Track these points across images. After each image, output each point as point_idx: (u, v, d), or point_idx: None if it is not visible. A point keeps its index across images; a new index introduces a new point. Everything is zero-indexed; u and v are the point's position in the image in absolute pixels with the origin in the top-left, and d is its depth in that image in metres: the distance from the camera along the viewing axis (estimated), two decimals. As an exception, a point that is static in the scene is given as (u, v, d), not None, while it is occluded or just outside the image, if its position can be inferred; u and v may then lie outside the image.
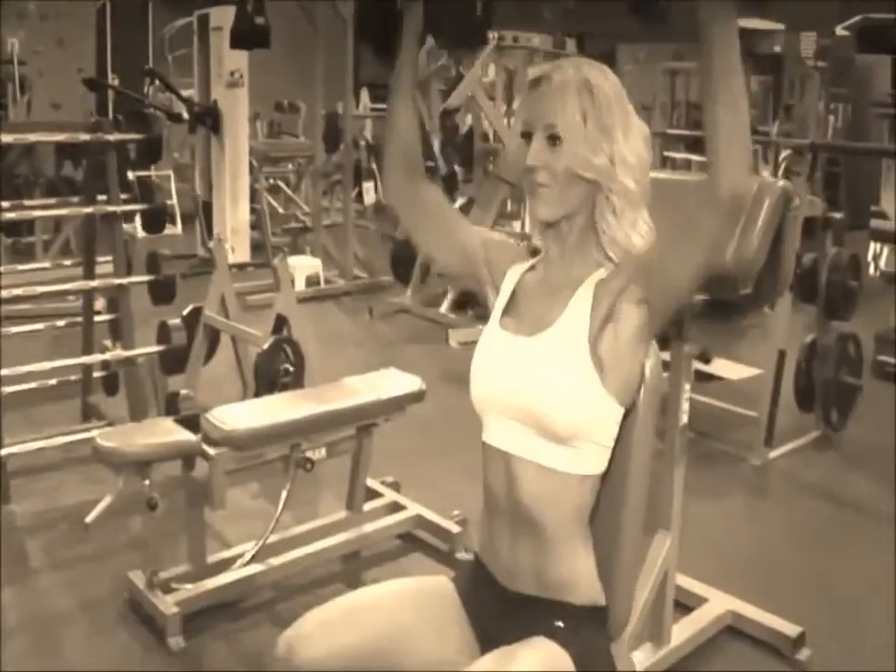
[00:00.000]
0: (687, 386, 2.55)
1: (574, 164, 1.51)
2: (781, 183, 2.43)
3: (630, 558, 1.67)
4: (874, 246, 7.90)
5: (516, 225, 7.15)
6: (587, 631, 1.56)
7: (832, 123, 9.76)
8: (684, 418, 2.56)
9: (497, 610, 1.60)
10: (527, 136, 1.55)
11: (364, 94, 11.00)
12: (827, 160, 8.79)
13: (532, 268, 1.66)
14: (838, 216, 4.61)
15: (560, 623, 1.53)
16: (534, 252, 1.69)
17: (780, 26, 8.50)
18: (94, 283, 4.08)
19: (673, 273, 1.47)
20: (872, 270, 7.61)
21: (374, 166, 9.67)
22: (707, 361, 4.79)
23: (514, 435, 1.55)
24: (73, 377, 4.27)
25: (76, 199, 4.44)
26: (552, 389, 1.49)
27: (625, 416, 1.56)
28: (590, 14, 10.79)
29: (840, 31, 7.09)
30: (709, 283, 2.19)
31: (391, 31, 1.73)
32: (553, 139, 1.52)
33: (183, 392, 4.05)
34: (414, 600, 1.63)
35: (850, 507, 3.92)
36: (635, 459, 1.62)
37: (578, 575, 1.56)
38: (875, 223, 5.99)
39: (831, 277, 4.40)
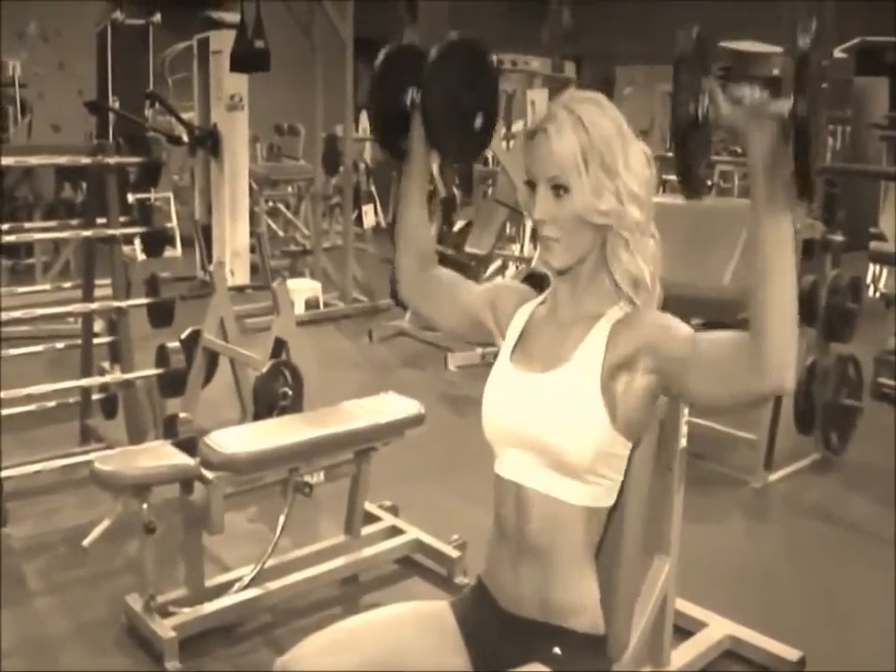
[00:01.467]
0: (686, 410, 2.55)
1: (582, 212, 1.51)
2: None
3: (629, 585, 1.69)
4: (873, 268, 7.93)
5: (515, 248, 7.18)
6: (585, 659, 1.56)
7: (831, 145, 9.81)
8: (683, 442, 2.55)
9: (496, 635, 1.61)
10: (531, 185, 1.56)
11: (364, 117, 11.04)
12: (826, 182, 8.85)
13: (542, 303, 1.68)
14: (837, 238, 4.63)
15: (558, 650, 1.54)
16: (530, 277, 1.70)
17: (778, 49, 8.55)
18: (93, 305, 4.09)
19: (692, 391, 1.46)
20: (871, 292, 7.63)
21: (373, 189, 9.71)
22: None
23: (526, 467, 1.57)
24: (71, 400, 4.28)
25: (75, 221, 4.45)
26: (563, 423, 1.51)
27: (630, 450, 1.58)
28: (588, 37, 10.86)
29: (838, 53, 7.15)
30: (708, 308, 2.22)
31: (402, 132, 1.76)
32: (558, 189, 1.52)
33: (181, 415, 4.05)
34: (411, 625, 1.64)
35: (851, 529, 3.92)
36: (635, 489, 1.64)
37: (581, 602, 1.57)
38: (874, 245, 5.99)
39: (830, 300, 4.41)
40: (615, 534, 1.63)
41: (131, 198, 8.74)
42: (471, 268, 6.00)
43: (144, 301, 4.05)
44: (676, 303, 1.79)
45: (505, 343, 1.66)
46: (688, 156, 1.47)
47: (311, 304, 7.21)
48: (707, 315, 2.31)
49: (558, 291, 1.63)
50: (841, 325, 4.45)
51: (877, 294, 7.61)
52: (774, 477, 4.32)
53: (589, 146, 1.50)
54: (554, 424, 1.51)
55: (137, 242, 7.00)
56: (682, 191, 1.53)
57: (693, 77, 1.42)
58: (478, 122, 1.78)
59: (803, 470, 4.48)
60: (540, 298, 1.69)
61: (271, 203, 9.44)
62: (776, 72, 9.46)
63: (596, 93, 1.60)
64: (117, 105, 9.42)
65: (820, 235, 4.53)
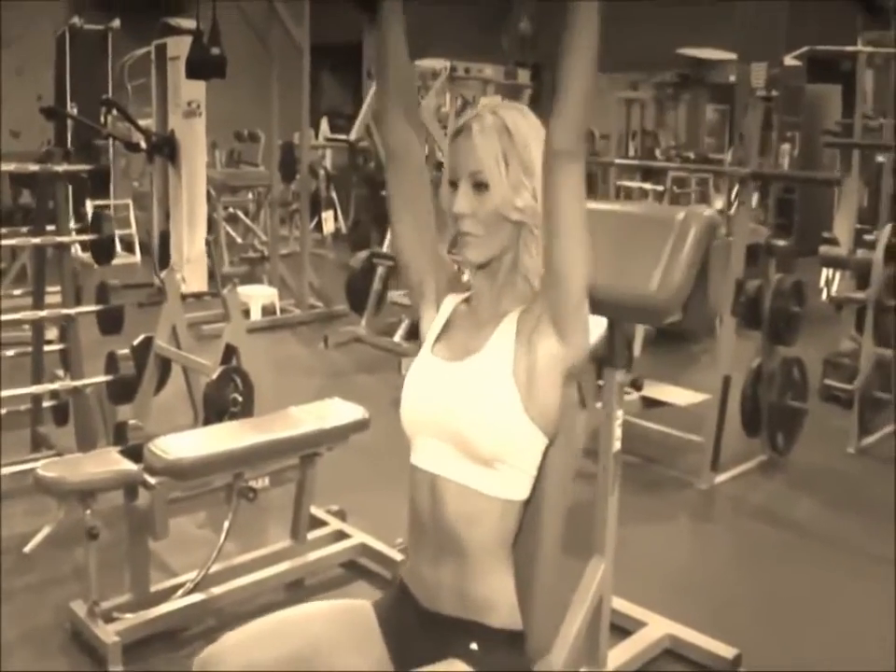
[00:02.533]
0: (619, 413, 2.60)
1: (500, 208, 1.58)
2: (707, 212, 2.50)
3: (548, 583, 1.71)
4: (826, 272, 8.04)
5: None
6: (501, 655, 1.60)
7: (787, 151, 9.95)
8: (617, 444, 2.61)
9: (415, 632, 1.64)
10: (454, 185, 1.62)
11: (324, 123, 11.07)
12: (783, 188, 8.98)
13: (465, 300, 1.73)
14: (781, 243, 4.71)
15: (475, 646, 1.58)
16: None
17: (733, 56, 8.66)
18: (43, 313, 4.09)
19: (565, 278, 1.52)
20: (824, 296, 7.74)
21: (334, 195, 9.72)
22: (638, 388, 4.86)
23: (441, 456, 1.61)
24: (22, 407, 4.28)
25: (25, 229, 4.46)
26: (476, 411, 1.55)
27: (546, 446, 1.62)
28: (549, 44, 10.92)
29: (789, 60, 7.25)
30: (634, 312, 2.26)
31: None
32: (479, 185, 1.58)
33: (131, 422, 4.06)
34: (330, 621, 1.68)
35: (794, 530, 4.00)
36: (552, 485, 1.66)
37: (497, 597, 1.61)
38: (823, 249, 6.09)
39: (774, 303, 4.49)
40: (532, 529, 1.66)
41: (89, 205, 8.76)
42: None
43: (93, 308, 4.06)
44: (603, 307, 1.84)
45: (429, 334, 1.71)
46: None
47: (267, 311, 7.24)
48: (634, 319, 2.36)
49: (477, 287, 1.69)
50: (786, 328, 4.53)
51: (829, 298, 7.71)
52: (720, 479, 4.40)
53: (510, 146, 1.57)
54: (468, 411, 1.56)
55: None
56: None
57: None
58: None
59: (749, 472, 4.56)
60: (463, 296, 1.74)
61: (230, 210, 9.44)
62: (732, 78, 9.59)
63: (520, 104, 1.70)
64: (75, 110, 9.38)
65: (765, 240, 4.62)
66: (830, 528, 3.99)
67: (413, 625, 1.65)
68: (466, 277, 1.75)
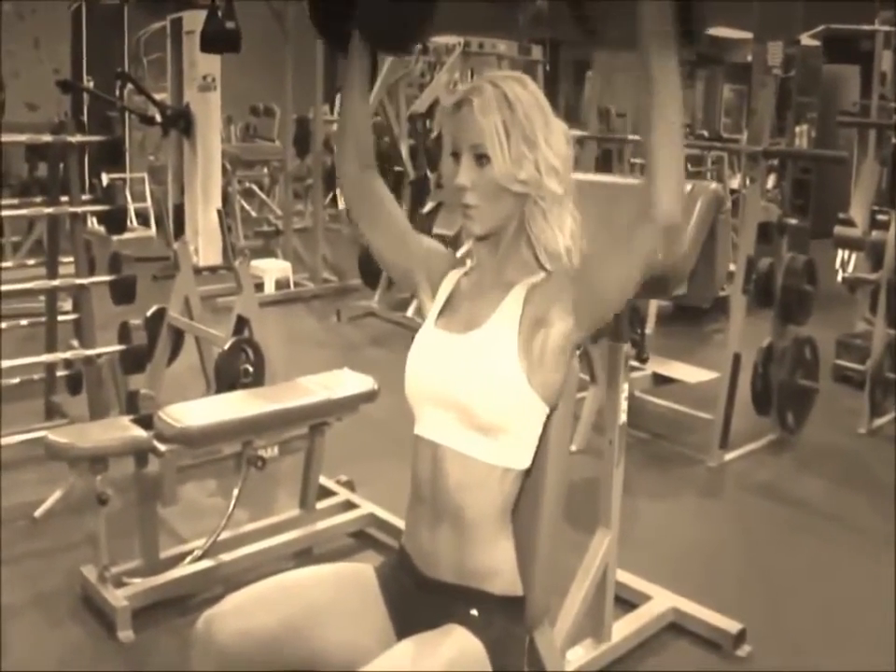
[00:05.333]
0: (625, 386, 2.61)
1: (502, 180, 1.57)
2: (713, 186, 2.51)
3: (547, 551, 1.73)
4: (841, 254, 8.00)
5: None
6: (501, 620, 1.61)
7: (805, 132, 9.86)
8: (623, 417, 2.61)
9: (415, 598, 1.66)
10: (456, 157, 1.61)
11: (339, 99, 11.04)
12: (800, 169, 8.91)
13: (467, 273, 1.74)
14: (793, 221, 4.69)
15: (475, 612, 1.59)
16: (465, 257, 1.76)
17: (749, 35, 8.60)
18: (56, 282, 4.12)
19: (605, 286, 1.54)
20: (840, 277, 7.70)
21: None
22: (644, 361, 4.86)
23: (443, 426, 1.62)
24: (36, 376, 4.32)
25: (39, 199, 4.47)
26: (479, 381, 1.56)
27: (547, 416, 1.63)
28: (565, 21, 10.85)
29: (806, 40, 7.19)
30: (641, 285, 2.26)
31: (342, 20, 1.76)
32: (480, 158, 1.58)
33: (143, 392, 4.09)
34: (332, 584, 1.69)
35: (801, 508, 3.99)
36: (553, 454, 1.68)
37: (497, 564, 1.62)
38: (838, 230, 6.06)
39: (786, 282, 4.47)
40: (532, 498, 1.68)
41: (105, 177, 8.77)
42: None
43: (105, 278, 4.07)
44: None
45: (433, 307, 1.72)
46: None
47: (281, 284, 7.26)
48: (640, 292, 2.36)
49: (480, 259, 1.70)
50: (797, 307, 4.51)
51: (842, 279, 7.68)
52: (729, 456, 4.40)
53: (511, 118, 1.56)
54: (470, 382, 1.57)
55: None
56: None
57: None
58: (412, 11, 1.76)
59: (758, 450, 4.55)
60: (464, 269, 1.74)
61: (245, 184, 9.45)
62: (749, 58, 9.52)
63: (521, 73, 1.68)
64: (91, 84, 9.39)
65: (777, 218, 4.60)
66: (837, 507, 3.99)
67: (413, 591, 1.67)
68: (459, 253, 1.77)
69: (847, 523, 3.84)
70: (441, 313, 1.70)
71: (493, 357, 1.57)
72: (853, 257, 7.99)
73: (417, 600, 1.65)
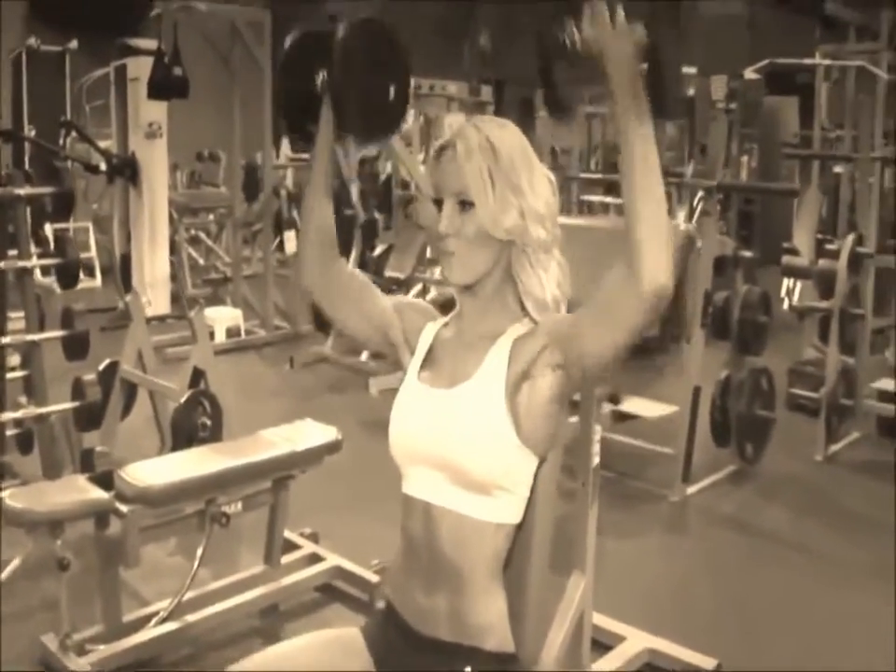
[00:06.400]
0: (598, 428, 2.60)
1: (487, 228, 1.55)
2: (684, 227, 2.52)
3: (539, 602, 1.71)
4: (787, 282, 8.12)
5: (437, 271, 7.20)
6: (494, 677, 1.58)
7: (746, 163, 10.04)
8: (596, 459, 2.61)
9: (406, 656, 1.62)
10: (438, 203, 1.59)
11: (285, 142, 11.03)
12: (743, 200, 9.07)
13: (447, 324, 1.71)
14: (748, 254, 4.75)
15: (468, 670, 1.56)
16: (444, 305, 1.74)
17: (692, 70, 8.76)
18: (6, 339, 4.02)
19: (591, 350, 1.49)
20: (786, 305, 7.81)
21: (296, 214, 9.69)
22: (616, 402, 4.87)
23: (434, 484, 1.59)
24: (-15, 436, 4.21)
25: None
26: (469, 439, 1.54)
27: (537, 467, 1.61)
28: (509, 60, 10.99)
29: (749, 74, 7.34)
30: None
31: (311, 115, 1.75)
32: (464, 204, 1.56)
33: (98, 448, 4.01)
34: (321, 653, 1.65)
35: (766, 538, 4.02)
36: (542, 506, 1.67)
37: (491, 620, 1.59)
38: (786, 259, 6.15)
39: (742, 314, 4.52)
40: (523, 551, 1.65)
41: (49, 228, 8.64)
42: (392, 292, 6.02)
43: (58, 333, 4.00)
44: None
45: (413, 361, 1.69)
46: (553, 77, 1.58)
47: (232, 332, 7.18)
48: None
49: (463, 308, 1.67)
50: (753, 338, 4.57)
51: (790, 307, 7.79)
52: (692, 490, 4.41)
53: (496, 164, 1.55)
54: (460, 439, 1.54)
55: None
56: (548, 111, 1.63)
57: (561, 6, 1.48)
58: (388, 100, 1.77)
59: (720, 482, 4.58)
60: (446, 318, 1.72)
61: (192, 232, 9.38)
62: (691, 92, 9.69)
63: (504, 119, 1.66)
64: (33, 133, 9.28)
65: (732, 251, 4.65)
66: (801, 536, 4.02)
67: (403, 649, 1.63)
68: (431, 295, 1.74)
69: (813, 551, 3.88)
70: (422, 366, 1.67)
71: (481, 413, 1.54)
72: (798, 284, 8.13)
73: (408, 658, 1.62)
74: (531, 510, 1.64)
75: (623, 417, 4.90)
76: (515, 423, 1.54)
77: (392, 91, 1.80)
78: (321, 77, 1.74)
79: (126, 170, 7.42)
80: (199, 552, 3.01)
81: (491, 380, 1.56)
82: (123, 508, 2.83)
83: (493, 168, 1.54)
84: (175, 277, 7.71)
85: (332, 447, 3.18)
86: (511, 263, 1.60)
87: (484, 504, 1.56)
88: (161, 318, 6.58)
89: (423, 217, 6.52)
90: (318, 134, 1.74)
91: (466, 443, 1.54)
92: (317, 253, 1.77)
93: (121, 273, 7.24)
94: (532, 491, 1.62)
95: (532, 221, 1.56)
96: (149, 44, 7.03)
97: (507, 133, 1.59)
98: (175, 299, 7.63)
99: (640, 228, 1.37)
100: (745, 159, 10.06)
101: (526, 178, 1.56)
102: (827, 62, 6.83)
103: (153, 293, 6.92)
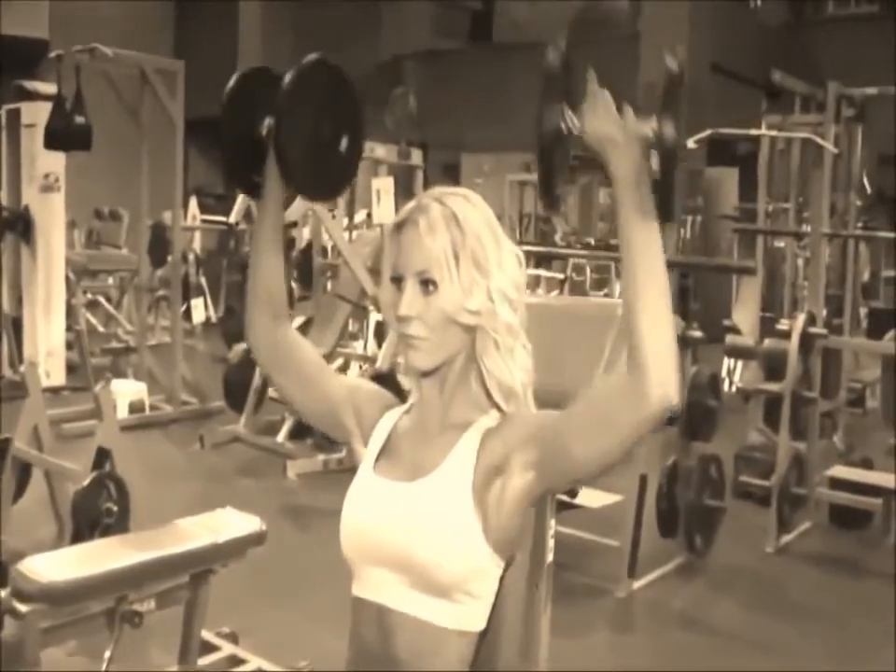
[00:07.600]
0: (552, 522, 2.58)
1: (451, 311, 1.52)
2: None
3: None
4: (728, 362, 8.28)
5: (358, 345, 7.17)
6: None
7: (682, 235, 10.29)
8: (550, 556, 2.58)
9: None
10: (397, 282, 1.56)
11: (193, 203, 10.99)
12: (679, 274, 9.27)
13: (407, 412, 1.67)
14: (697, 334, 4.82)
15: None
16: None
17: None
18: None
19: (577, 455, 1.45)
20: (727, 385, 7.95)
21: (203, 281, 9.61)
22: (573, 495, 4.87)
23: (390, 587, 1.54)
24: None
25: None
26: (431, 538, 1.50)
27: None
28: (435, 124, 11.16)
29: (690, 144, 7.55)
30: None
31: (255, 166, 1.71)
32: (426, 284, 1.52)
33: (-12, 537, 3.86)
34: None
35: (718, 635, 4.05)
36: (509, 611, 1.64)
37: (453, 731, 1.55)
38: (729, 339, 6.29)
39: (691, 397, 4.57)
40: (488, 658, 1.61)
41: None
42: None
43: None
44: (546, 405, 1.83)
45: (368, 452, 1.65)
46: (551, 170, 1.52)
47: (136, 408, 7.01)
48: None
49: (424, 395, 1.63)
50: (702, 423, 4.62)
51: (734, 388, 7.94)
52: (638, 584, 4.40)
53: (461, 240, 1.52)
54: (422, 538, 1.50)
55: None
56: (542, 206, 1.60)
57: (558, 90, 1.47)
58: (341, 151, 1.73)
59: (668, 576, 4.59)
60: (405, 406, 1.69)
61: (90, 296, 9.22)
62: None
63: (467, 190, 1.63)
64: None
65: (680, 331, 4.72)
66: (755, 632, 4.05)
67: None
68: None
69: (767, 647, 3.91)
70: (378, 457, 1.64)
71: (446, 510, 1.51)
72: (739, 364, 8.30)
73: None
74: (497, 616, 1.60)
75: (564, 506, 4.89)
76: (483, 522, 1.51)
77: (345, 141, 1.76)
78: (267, 122, 1.69)
79: (18, 225, 7.30)
80: (107, 654, 2.89)
81: (457, 474, 1.53)
82: (22, 607, 2.71)
83: (458, 244, 1.51)
84: (71, 345, 7.57)
85: (257, 538, 3.09)
86: (475, 347, 1.57)
87: (446, 609, 1.52)
88: (57, 390, 6.43)
89: (344, 288, 6.51)
90: (265, 187, 1.70)
91: (428, 542, 1.50)
92: (265, 312, 1.73)
93: (13, 339, 7.09)
94: (499, 594, 1.58)
95: (499, 302, 1.54)
96: (48, 88, 6.96)
97: (471, 206, 1.56)
98: (72, 368, 7.48)
99: (644, 331, 1.35)
100: (681, 231, 10.32)
101: (494, 255, 1.54)
102: (773, 132, 7.06)
103: (49, 362, 6.76)
